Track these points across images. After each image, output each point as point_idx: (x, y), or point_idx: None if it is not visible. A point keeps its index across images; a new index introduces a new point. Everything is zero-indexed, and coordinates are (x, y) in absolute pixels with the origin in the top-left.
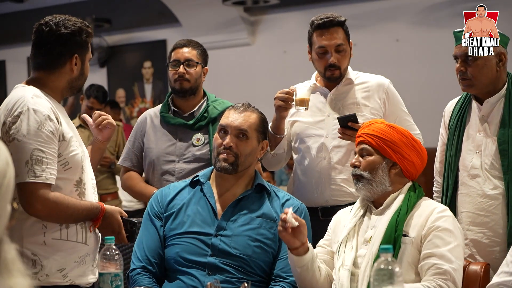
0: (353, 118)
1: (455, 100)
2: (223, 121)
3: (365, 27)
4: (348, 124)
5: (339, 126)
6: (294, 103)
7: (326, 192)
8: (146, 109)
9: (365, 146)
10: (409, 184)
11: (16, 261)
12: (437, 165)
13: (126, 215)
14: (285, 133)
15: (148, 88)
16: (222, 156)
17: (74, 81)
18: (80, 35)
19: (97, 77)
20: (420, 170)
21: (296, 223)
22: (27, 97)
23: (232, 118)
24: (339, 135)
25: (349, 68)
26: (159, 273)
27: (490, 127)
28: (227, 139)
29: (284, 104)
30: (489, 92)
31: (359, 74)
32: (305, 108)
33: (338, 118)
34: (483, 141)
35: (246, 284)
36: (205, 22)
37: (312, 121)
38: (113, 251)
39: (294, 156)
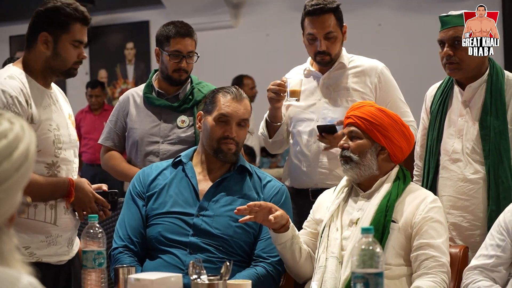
0: (331, 129)
1: (437, 84)
2: (224, 110)
3: (347, 11)
4: (322, 134)
5: (329, 110)
6: (286, 94)
7: (316, 175)
8: (128, 90)
9: (354, 128)
10: (396, 168)
11: (14, 252)
12: (418, 149)
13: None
14: (283, 120)
15: (130, 69)
16: (226, 146)
17: (50, 62)
18: (54, 13)
19: None
20: (406, 154)
21: None
22: (0, 78)
23: (234, 107)
24: (328, 119)
25: (344, 51)
26: (141, 252)
27: (472, 112)
28: (233, 130)
29: (276, 96)
30: (473, 76)
31: (353, 57)
32: (296, 99)
33: (317, 127)
34: (465, 126)
35: (227, 264)
36: (188, 4)
37: (304, 105)
38: (97, 229)
39: (290, 140)
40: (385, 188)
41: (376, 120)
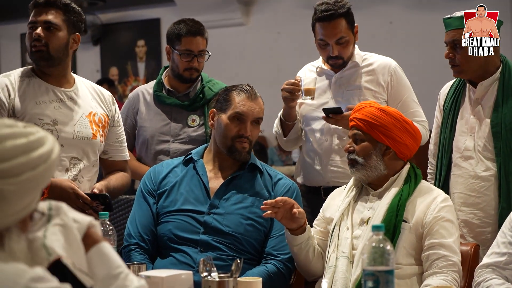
0: (337, 110)
1: (450, 83)
2: (240, 108)
3: (358, 9)
4: (329, 115)
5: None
6: (301, 92)
7: (328, 173)
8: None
9: (357, 131)
10: (407, 166)
11: (25, 252)
12: (432, 147)
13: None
14: (298, 117)
15: (141, 67)
16: (240, 145)
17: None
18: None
19: (91, 55)
20: (414, 150)
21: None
22: None
23: (249, 106)
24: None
25: (356, 50)
26: (151, 250)
27: (484, 109)
28: (248, 129)
29: (290, 95)
30: (480, 76)
31: (366, 55)
32: (311, 98)
33: (323, 109)
34: (477, 123)
35: (238, 261)
36: (199, 2)
37: (317, 104)
38: (107, 226)
39: (302, 138)
40: (396, 187)
41: (377, 120)
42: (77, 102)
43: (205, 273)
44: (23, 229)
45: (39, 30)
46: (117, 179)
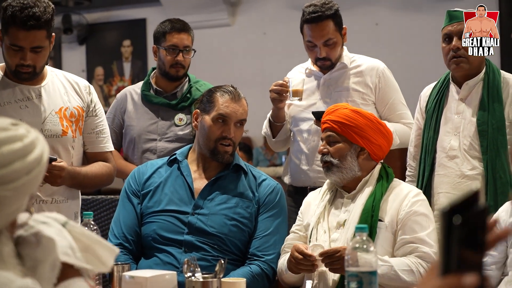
0: None
1: (432, 85)
2: (223, 110)
3: (344, 10)
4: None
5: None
6: (289, 93)
7: (314, 173)
8: (124, 87)
9: (331, 133)
10: (379, 166)
11: (12, 257)
12: (411, 149)
13: None
14: (287, 118)
15: (127, 67)
16: (224, 148)
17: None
18: (1, 12)
19: (76, 54)
20: (386, 151)
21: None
22: None
23: (232, 108)
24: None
25: (345, 51)
26: (135, 250)
27: (469, 109)
28: (231, 130)
29: (278, 96)
30: (473, 74)
31: (355, 57)
32: (299, 99)
33: (313, 113)
34: (462, 123)
35: (222, 261)
36: (185, 2)
37: (305, 105)
38: (91, 227)
39: (291, 138)
40: (369, 188)
41: (351, 122)
42: (46, 98)
43: (189, 274)
44: (10, 231)
45: (28, 57)
46: (91, 165)
